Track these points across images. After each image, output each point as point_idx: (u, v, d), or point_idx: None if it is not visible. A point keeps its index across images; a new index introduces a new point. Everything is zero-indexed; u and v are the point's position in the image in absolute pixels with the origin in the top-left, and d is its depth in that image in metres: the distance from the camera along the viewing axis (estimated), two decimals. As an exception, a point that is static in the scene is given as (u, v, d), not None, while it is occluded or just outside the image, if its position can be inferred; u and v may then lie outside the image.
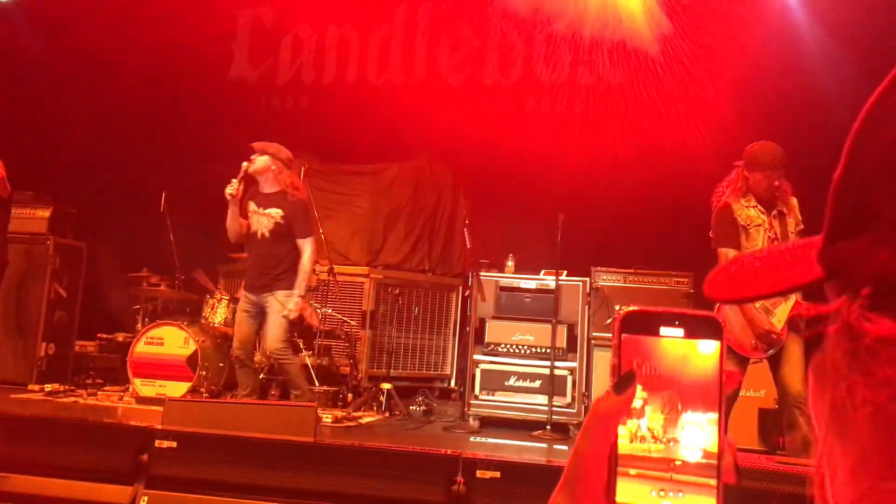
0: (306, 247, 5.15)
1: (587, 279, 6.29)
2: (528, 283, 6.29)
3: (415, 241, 8.09)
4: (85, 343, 7.18)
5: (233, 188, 5.12)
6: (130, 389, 6.01)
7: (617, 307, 6.24)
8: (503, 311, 6.28)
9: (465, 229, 6.28)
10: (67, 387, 6.24)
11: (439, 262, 8.14)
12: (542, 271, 6.48)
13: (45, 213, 6.78)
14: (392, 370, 7.17)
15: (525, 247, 7.01)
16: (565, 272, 6.22)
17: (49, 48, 7.95)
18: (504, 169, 7.84)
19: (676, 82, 7.33)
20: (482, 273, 6.36)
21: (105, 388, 6.39)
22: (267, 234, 5.16)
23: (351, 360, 6.66)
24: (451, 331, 7.88)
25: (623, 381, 0.58)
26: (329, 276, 6.65)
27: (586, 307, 6.18)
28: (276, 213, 5.15)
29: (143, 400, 5.83)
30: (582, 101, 7.73)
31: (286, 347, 5.29)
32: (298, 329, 6.57)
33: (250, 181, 5.27)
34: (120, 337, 7.04)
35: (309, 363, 6.27)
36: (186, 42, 7.94)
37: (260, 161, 5.19)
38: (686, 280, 6.41)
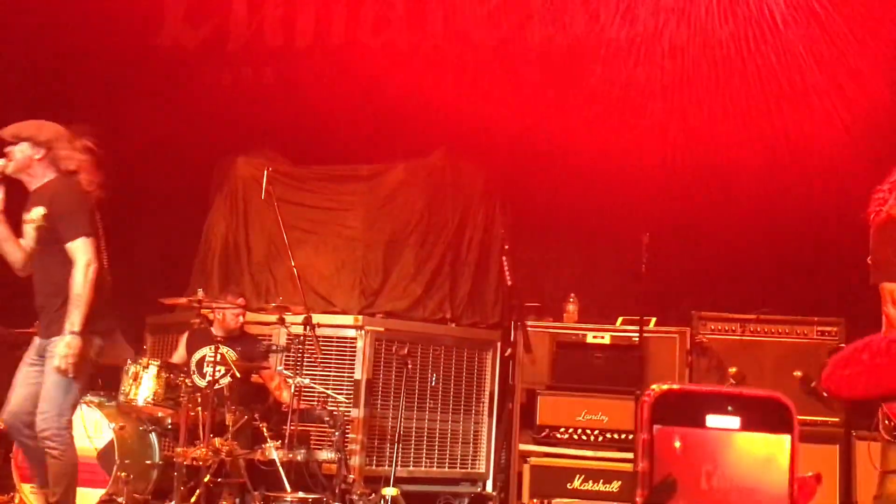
0: (78, 254, 4.96)
1: (687, 329, 6.27)
2: (598, 336, 6.29)
3: (430, 277, 8.12)
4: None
5: None
6: (17, 499, 6.07)
7: (732, 370, 6.22)
8: (562, 379, 6.29)
9: (504, 258, 6.32)
10: (-71, 497, 6.33)
11: (467, 307, 8.16)
12: (620, 319, 6.49)
13: None
14: (399, 468, 7.17)
15: (593, 283, 7.03)
16: (654, 320, 6.22)
17: None
18: (558, 169, 7.88)
19: (810, 50, 7.33)
20: (530, 323, 6.37)
21: (-19, 499, 6.47)
22: (35, 247, 5.07)
23: (339, 455, 6.68)
24: (486, 408, 7.86)
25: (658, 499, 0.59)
26: (305, 330, 6.69)
27: (687, 370, 6.16)
28: (38, 213, 5.03)
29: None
30: (672, 70, 7.77)
31: (59, 427, 5.02)
32: (261, 409, 6.60)
33: (15, 185, 5.19)
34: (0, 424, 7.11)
35: (277, 459, 6.30)
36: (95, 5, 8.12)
37: (18, 153, 5.11)
38: (835, 329, 6.36)
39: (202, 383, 6.53)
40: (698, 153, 7.40)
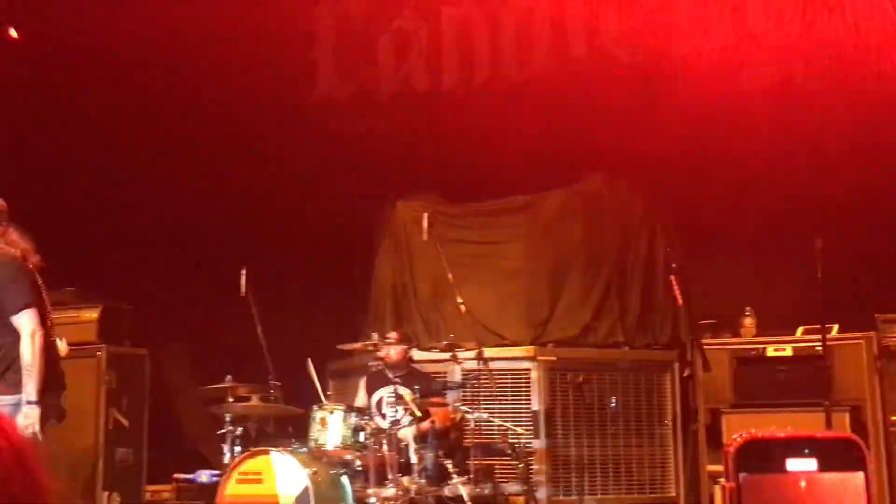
0: (23, 325, 5.01)
1: (872, 334, 6.08)
2: (779, 348, 6.17)
3: (599, 302, 8.10)
4: (158, 488, 7.69)
5: None
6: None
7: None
8: (745, 396, 6.18)
9: (672, 277, 6.28)
10: (139, 551, 6.71)
11: (638, 329, 8.08)
12: (800, 329, 6.36)
13: (93, 314, 7.41)
14: (588, 495, 7.17)
15: (768, 295, 6.90)
16: (836, 327, 6.06)
17: (82, 101, 8.79)
18: (720, 180, 7.78)
19: None
20: (707, 340, 6.31)
21: (188, 550, 6.82)
22: None
23: (525, 487, 6.75)
24: (670, 431, 7.78)
25: None
26: (478, 364, 6.80)
27: (876, 377, 5.97)
28: None
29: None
30: (829, 69, 7.59)
31: None
32: (445, 446, 6.74)
33: None
34: (203, 476, 7.49)
35: (465, 494, 6.41)
36: (253, 66, 8.54)
37: None
38: None
39: (384, 424, 6.72)
40: (874, 146, 7.18)
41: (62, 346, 5.75)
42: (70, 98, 8.66)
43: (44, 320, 5.08)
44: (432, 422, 7.08)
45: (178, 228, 8.73)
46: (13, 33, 8.40)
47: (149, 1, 8.42)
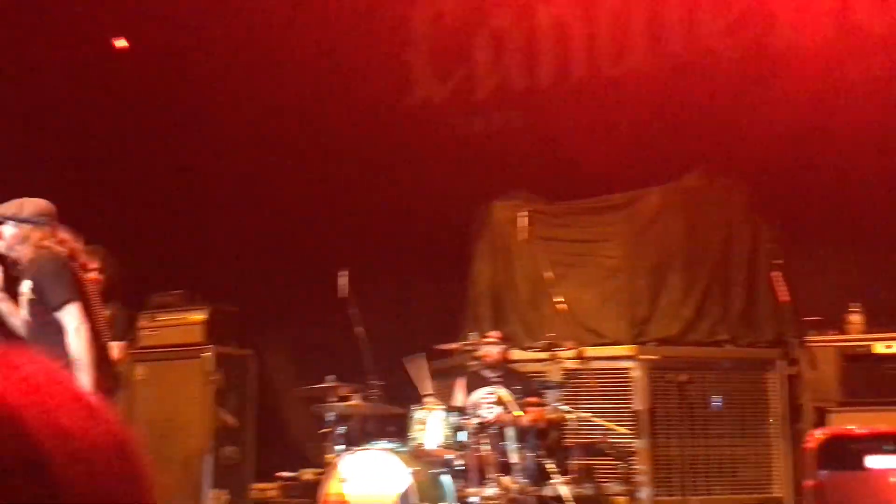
0: (67, 320, 5.08)
1: None
2: (889, 345, 6.00)
3: (700, 299, 7.98)
4: (264, 486, 7.89)
5: None
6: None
7: None
8: (853, 394, 6.02)
9: (775, 273, 6.17)
10: (248, 547, 6.88)
11: (741, 327, 7.94)
12: (911, 325, 6.15)
13: (200, 316, 7.63)
14: (691, 495, 7.09)
15: (876, 290, 6.70)
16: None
17: (182, 104, 9.07)
18: (824, 173, 7.61)
19: None
20: (812, 337, 6.18)
21: (295, 547, 6.96)
22: (30, 319, 5.24)
23: (627, 487, 6.70)
24: (776, 430, 7.62)
25: None
26: (578, 363, 6.78)
27: None
28: (27, 286, 5.20)
29: (346, 560, 6.28)
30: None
31: None
32: (545, 446, 6.74)
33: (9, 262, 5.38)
34: (307, 474, 7.65)
35: (566, 494, 6.40)
36: (346, 70, 8.68)
37: (5, 232, 5.28)
38: None
39: (480, 424, 6.73)
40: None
41: (116, 348, 5.91)
42: (179, 104, 8.93)
43: (95, 320, 5.17)
44: (531, 421, 7.10)
45: (282, 232, 8.91)
46: (121, 43, 8.69)
47: (250, 9, 8.62)
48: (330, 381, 7.14)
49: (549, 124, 8.73)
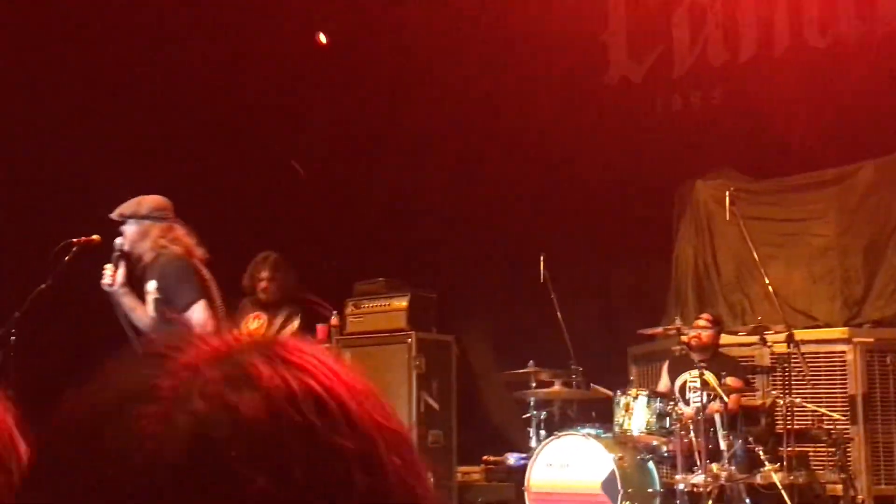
0: (194, 319, 5.13)
1: None
2: None
3: (921, 279, 7.59)
4: (468, 469, 8.01)
5: (107, 276, 5.24)
6: (533, 530, 6.51)
7: None
8: None
9: None
10: (454, 529, 7.01)
11: (968, 307, 7.49)
12: None
13: (402, 302, 7.80)
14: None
15: None
16: None
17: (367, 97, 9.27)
18: None
19: None
20: None
21: (500, 530, 7.04)
22: (155, 316, 5.26)
23: (843, 475, 6.42)
24: None
25: None
26: (789, 347, 6.54)
27: None
28: (153, 285, 5.25)
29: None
30: None
31: None
32: (755, 433, 6.54)
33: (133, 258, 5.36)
34: (511, 459, 7.73)
35: (778, 482, 6.19)
36: (546, 52, 8.65)
37: (128, 231, 5.31)
38: None
39: (688, 410, 6.60)
40: None
41: None
42: (380, 97, 9.15)
43: (214, 314, 5.25)
44: (740, 407, 6.89)
45: (481, 217, 8.99)
46: (322, 39, 8.97)
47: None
48: (531, 367, 7.16)
49: (752, 99, 8.44)
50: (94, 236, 5.46)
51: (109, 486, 0.57)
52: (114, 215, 5.34)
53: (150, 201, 5.40)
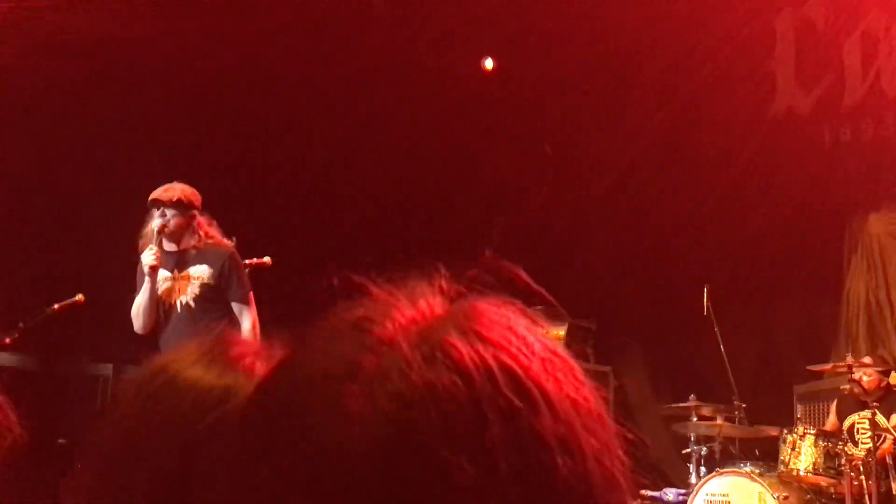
0: (246, 314, 5.13)
1: None
2: None
3: None
4: None
5: (154, 256, 5.13)
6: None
7: None
8: None
9: None
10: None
11: None
12: None
13: (560, 332, 7.82)
14: None
15: None
16: None
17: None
18: None
19: None
20: None
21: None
22: (192, 304, 5.20)
23: None
24: None
25: None
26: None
27: None
28: (204, 271, 5.20)
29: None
30: None
31: None
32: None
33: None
34: (669, 495, 7.58)
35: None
36: (712, 83, 8.54)
37: (172, 217, 5.21)
38: None
39: (858, 453, 6.35)
40: None
41: None
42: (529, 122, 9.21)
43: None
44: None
45: (643, 247, 8.91)
46: (489, 65, 9.08)
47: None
48: (692, 401, 7.04)
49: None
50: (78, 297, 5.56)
51: (311, 466, 0.55)
52: (157, 198, 5.24)
53: (193, 192, 5.35)
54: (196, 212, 5.31)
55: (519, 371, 0.58)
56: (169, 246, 5.26)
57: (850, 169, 8.28)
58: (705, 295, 7.02)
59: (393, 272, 0.68)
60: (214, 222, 5.41)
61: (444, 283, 0.67)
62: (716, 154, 8.59)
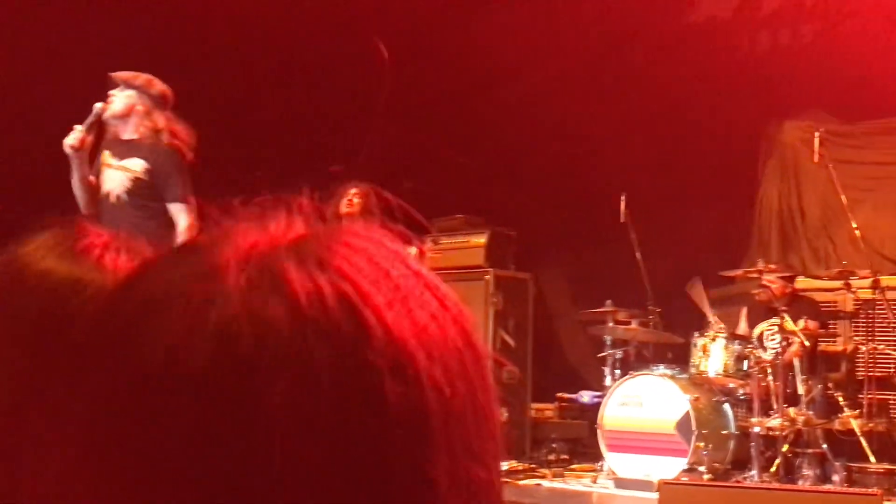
0: (181, 216, 4.99)
1: None
2: None
3: None
4: (542, 406, 8.08)
5: (75, 138, 4.96)
6: (605, 468, 6.57)
7: None
8: None
9: None
10: (527, 465, 7.10)
11: None
12: None
13: (481, 239, 7.84)
14: None
15: None
16: None
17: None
18: None
19: None
20: None
21: (572, 467, 7.11)
22: (123, 196, 5.08)
23: (925, 423, 6.33)
24: None
25: None
26: (874, 293, 6.44)
27: None
28: (138, 164, 5.05)
29: (623, 483, 6.35)
30: None
31: None
32: (835, 378, 6.48)
33: (103, 129, 5.17)
34: (585, 397, 7.77)
35: (857, 428, 6.14)
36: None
37: (120, 100, 5.08)
38: None
39: (766, 356, 6.55)
40: None
41: None
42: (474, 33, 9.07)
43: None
44: (820, 353, 6.82)
45: (560, 156, 8.93)
46: None
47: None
48: (608, 306, 7.17)
49: (844, 38, 8.18)
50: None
51: (132, 386, 0.56)
52: (118, 77, 5.12)
53: (159, 83, 5.18)
54: (150, 100, 5.09)
55: (354, 297, 0.56)
56: (123, 135, 5.11)
57: (767, 76, 8.34)
58: (622, 202, 7.10)
59: (271, 191, 0.65)
60: (180, 124, 5.15)
61: (307, 204, 0.64)
62: (635, 61, 8.60)
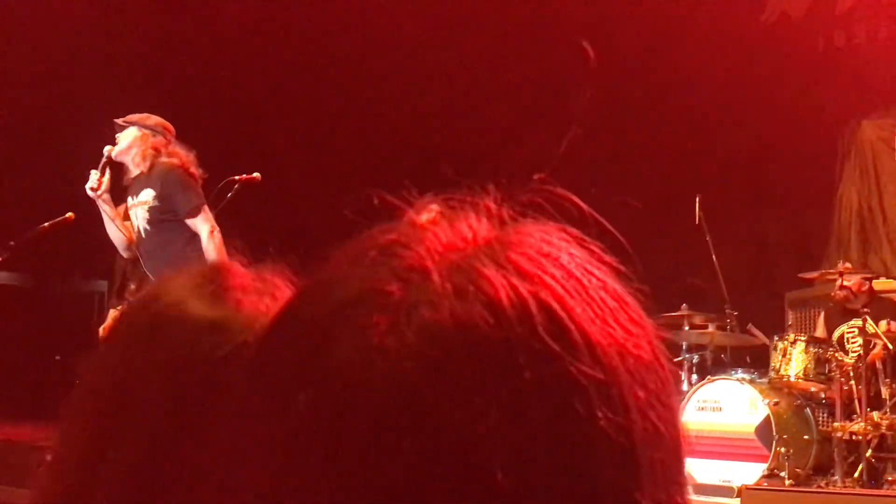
0: (201, 226, 5.09)
1: None
2: None
3: None
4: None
5: (92, 180, 5.21)
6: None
7: None
8: None
9: None
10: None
11: None
12: None
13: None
14: None
15: None
16: None
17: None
18: None
19: None
20: None
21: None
22: (147, 227, 5.22)
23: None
24: None
25: None
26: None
27: None
28: (149, 194, 5.20)
29: (701, 488, 6.28)
30: None
31: None
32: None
33: (119, 170, 5.34)
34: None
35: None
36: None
37: (124, 137, 5.26)
38: None
39: (848, 359, 6.43)
40: None
41: None
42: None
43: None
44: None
45: (634, 158, 8.88)
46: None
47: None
48: (684, 310, 7.10)
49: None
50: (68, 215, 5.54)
51: (334, 405, 0.52)
52: (119, 121, 5.34)
53: (156, 118, 5.41)
54: (149, 130, 5.30)
55: (559, 311, 0.53)
56: (134, 168, 5.29)
57: (843, 75, 8.21)
58: (697, 204, 7.04)
59: (435, 192, 0.62)
60: (178, 144, 5.35)
61: (491, 206, 0.60)
62: (708, 61, 8.50)
